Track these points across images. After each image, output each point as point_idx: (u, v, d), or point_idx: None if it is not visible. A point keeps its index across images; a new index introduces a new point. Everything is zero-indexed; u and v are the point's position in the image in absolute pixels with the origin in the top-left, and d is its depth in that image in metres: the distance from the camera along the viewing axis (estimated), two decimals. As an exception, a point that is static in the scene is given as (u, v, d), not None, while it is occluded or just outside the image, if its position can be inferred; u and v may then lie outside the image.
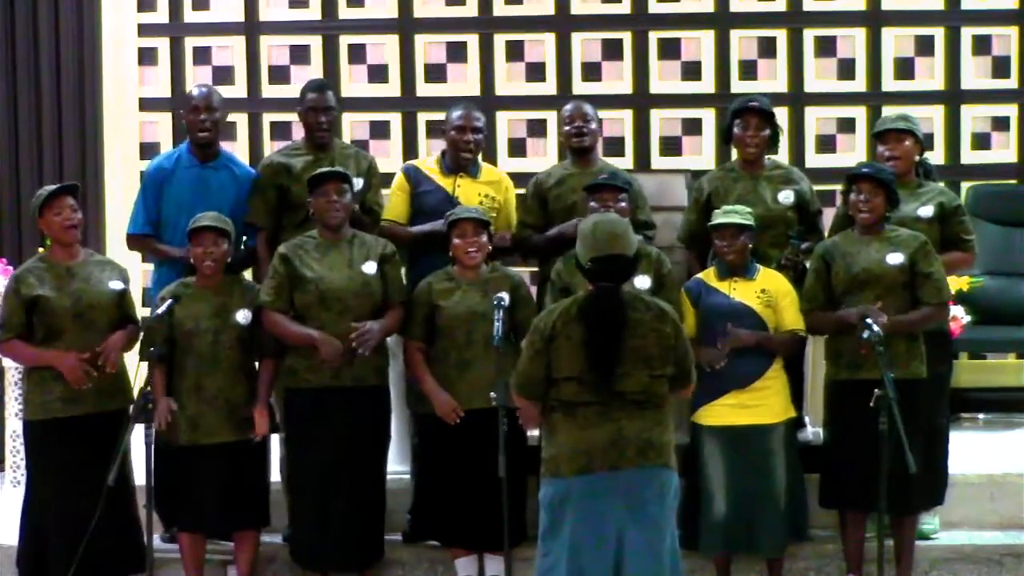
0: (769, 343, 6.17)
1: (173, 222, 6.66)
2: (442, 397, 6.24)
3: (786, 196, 6.57)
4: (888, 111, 8.25)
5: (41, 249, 7.47)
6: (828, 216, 6.82)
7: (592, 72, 8.85)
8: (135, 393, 6.11)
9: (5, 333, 6.20)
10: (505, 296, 6.09)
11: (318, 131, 6.73)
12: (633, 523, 5.11)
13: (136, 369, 6.01)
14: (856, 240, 6.22)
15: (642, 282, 6.15)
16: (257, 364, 6.35)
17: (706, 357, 6.08)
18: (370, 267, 6.29)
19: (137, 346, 6.30)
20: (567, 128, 6.75)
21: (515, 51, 8.89)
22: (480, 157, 6.86)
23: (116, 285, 6.30)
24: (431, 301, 6.31)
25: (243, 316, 6.26)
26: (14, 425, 7.12)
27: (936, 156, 8.68)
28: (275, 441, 6.58)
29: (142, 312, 7.70)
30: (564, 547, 5.14)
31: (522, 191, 6.87)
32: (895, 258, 6.14)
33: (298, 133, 6.91)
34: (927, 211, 6.44)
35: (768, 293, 6.20)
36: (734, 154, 6.78)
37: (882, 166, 6.32)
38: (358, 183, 6.58)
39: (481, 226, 6.31)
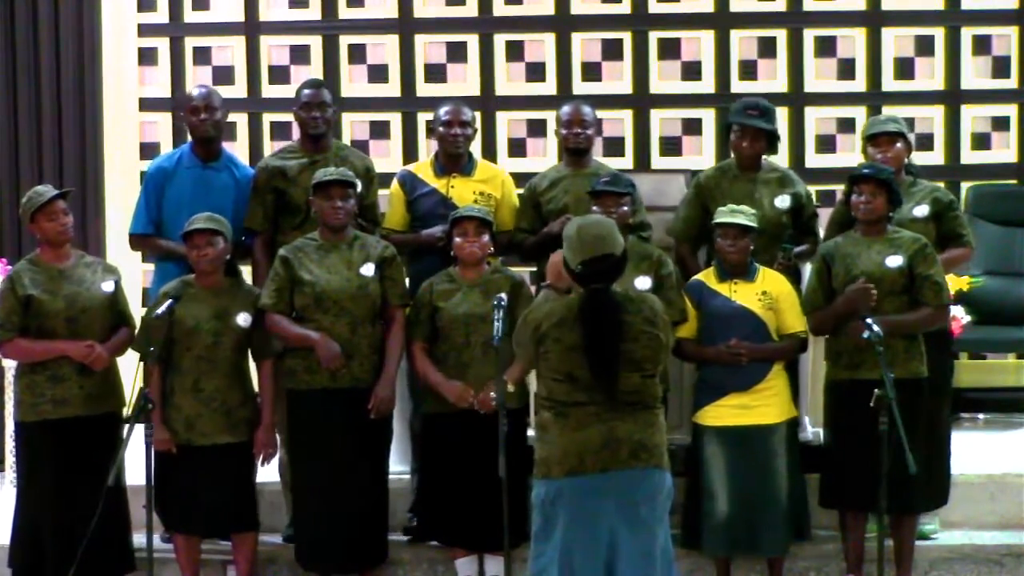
0: (772, 355, 6.16)
1: (174, 222, 6.64)
2: (451, 385, 6.22)
3: (782, 200, 6.55)
4: (888, 111, 8.27)
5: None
6: (826, 217, 6.82)
7: (592, 72, 8.85)
8: (132, 393, 6.05)
9: (6, 333, 6.19)
10: (504, 296, 6.09)
11: (312, 126, 6.70)
12: (624, 525, 5.09)
13: (136, 369, 5.98)
14: (857, 242, 6.21)
15: (643, 283, 6.15)
16: (255, 368, 6.35)
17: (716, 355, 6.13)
18: (368, 269, 6.28)
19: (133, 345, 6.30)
20: (564, 132, 6.75)
21: (515, 51, 8.89)
22: (479, 154, 6.82)
23: (108, 286, 6.29)
24: (432, 302, 6.31)
25: (243, 319, 6.25)
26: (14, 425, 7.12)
27: (936, 156, 8.70)
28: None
29: (141, 311, 7.73)
30: (556, 549, 5.12)
31: (521, 191, 6.87)
32: (894, 260, 6.13)
33: (298, 133, 6.90)
34: (922, 210, 6.45)
35: (769, 295, 6.19)
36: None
37: (883, 166, 6.32)
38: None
39: (483, 226, 6.30)
